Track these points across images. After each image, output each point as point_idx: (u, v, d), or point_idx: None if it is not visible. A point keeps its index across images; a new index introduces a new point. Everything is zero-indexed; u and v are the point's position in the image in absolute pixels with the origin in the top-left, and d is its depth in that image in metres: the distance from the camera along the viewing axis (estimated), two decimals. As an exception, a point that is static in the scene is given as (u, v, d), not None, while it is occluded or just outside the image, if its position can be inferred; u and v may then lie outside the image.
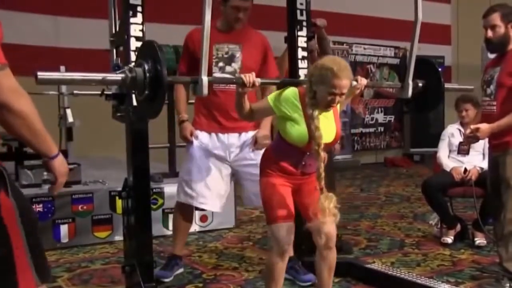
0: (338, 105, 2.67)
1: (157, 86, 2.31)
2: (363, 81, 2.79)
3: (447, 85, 3.22)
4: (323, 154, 2.48)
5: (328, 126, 2.59)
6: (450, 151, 4.59)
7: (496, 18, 3.18)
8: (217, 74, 3.25)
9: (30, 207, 2.01)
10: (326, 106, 2.51)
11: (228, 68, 3.29)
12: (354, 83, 2.76)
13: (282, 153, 2.60)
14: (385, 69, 10.22)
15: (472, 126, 3.21)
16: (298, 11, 3.39)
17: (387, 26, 9.99)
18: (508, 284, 3.20)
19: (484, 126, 3.15)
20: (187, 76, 3.27)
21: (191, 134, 3.34)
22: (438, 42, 10.56)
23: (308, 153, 2.56)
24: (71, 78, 2.43)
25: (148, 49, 2.41)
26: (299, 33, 3.38)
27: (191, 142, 3.36)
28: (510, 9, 3.23)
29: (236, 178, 3.48)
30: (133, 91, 2.57)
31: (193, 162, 3.36)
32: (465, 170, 4.35)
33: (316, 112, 2.49)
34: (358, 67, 9.39)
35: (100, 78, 2.41)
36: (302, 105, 2.53)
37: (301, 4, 3.39)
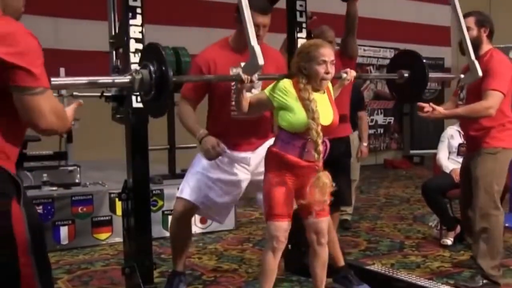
0: (332, 91, 2.83)
1: (162, 86, 2.35)
2: (352, 72, 2.97)
3: (431, 75, 3.29)
4: (321, 134, 2.57)
5: (325, 108, 2.69)
6: (449, 152, 4.60)
7: (470, 21, 3.37)
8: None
9: (38, 216, 2.04)
10: (322, 78, 2.65)
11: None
12: (344, 75, 2.94)
13: (285, 145, 2.66)
14: (385, 70, 10.20)
15: (432, 104, 3.32)
16: (298, 13, 3.39)
17: (387, 27, 10.00)
18: (481, 281, 3.29)
19: (439, 109, 3.29)
20: (195, 101, 3.08)
21: (218, 146, 2.88)
22: (438, 44, 10.57)
23: (309, 139, 2.61)
24: (80, 83, 2.43)
25: (152, 51, 2.45)
26: (299, 34, 3.38)
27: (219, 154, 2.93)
28: (485, 16, 3.45)
29: (250, 189, 3.18)
30: (140, 92, 2.56)
31: (207, 172, 3.05)
32: (465, 171, 4.35)
33: (312, 95, 2.62)
34: (358, 69, 9.38)
35: (110, 81, 2.53)
36: (297, 92, 2.65)
37: (301, 6, 3.39)
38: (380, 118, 10.40)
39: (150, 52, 2.47)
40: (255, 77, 2.60)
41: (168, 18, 7.71)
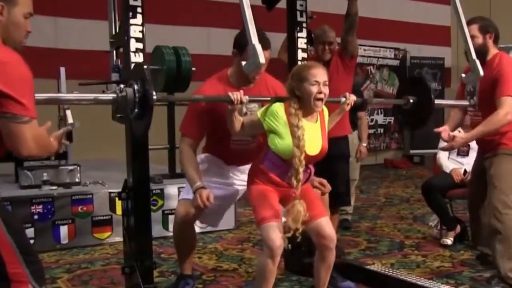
0: (326, 120, 2.80)
1: (145, 105, 2.42)
2: (352, 96, 2.93)
3: (437, 101, 3.26)
4: (304, 163, 2.58)
5: (314, 138, 2.69)
6: (450, 152, 4.59)
7: (474, 28, 3.33)
8: (236, 137, 2.96)
9: (11, 213, 2.09)
10: (315, 99, 2.63)
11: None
12: (343, 99, 2.92)
13: (270, 164, 2.69)
14: (385, 70, 10.22)
15: (451, 134, 3.28)
16: (298, 13, 3.39)
17: (387, 27, 10.00)
18: (497, 285, 3.26)
19: (459, 136, 3.26)
20: (196, 139, 2.97)
21: (208, 199, 2.75)
22: (438, 44, 10.56)
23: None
24: (66, 99, 2.78)
25: (138, 71, 2.55)
26: (299, 34, 3.39)
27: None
28: (488, 21, 3.40)
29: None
30: (125, 109, 2.63)
31: (204, 176, 2.95)
32: (465, 171, 4.36)
33: (301, 122, 2.61)
34: (358, 69, 9.39)
35: (92, 98, 2.57)
36: (288, 117, 2.63)
37: (301, 5, 3.39)
38: (380, 118, 10.40)
39: (135, 71, 2.59)
40: (245, 98, 2.61)
41: (169, 17, 7.72)
